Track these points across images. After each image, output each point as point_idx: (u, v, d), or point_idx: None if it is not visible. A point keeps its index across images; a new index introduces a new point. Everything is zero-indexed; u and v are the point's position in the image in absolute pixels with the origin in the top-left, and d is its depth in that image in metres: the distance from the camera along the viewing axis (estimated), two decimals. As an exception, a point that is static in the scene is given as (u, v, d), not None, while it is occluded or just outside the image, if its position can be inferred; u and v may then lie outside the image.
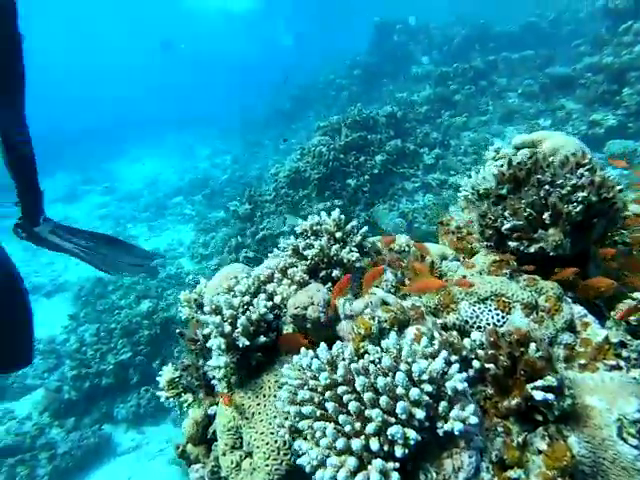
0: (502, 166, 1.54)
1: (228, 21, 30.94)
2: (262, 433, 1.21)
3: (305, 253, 1.51)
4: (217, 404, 1.46)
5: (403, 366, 0.97)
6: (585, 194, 1.30)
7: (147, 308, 8.07)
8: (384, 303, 1.36)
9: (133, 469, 6.38)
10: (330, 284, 1.51)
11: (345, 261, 1.50)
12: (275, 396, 1.25)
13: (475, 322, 1.15)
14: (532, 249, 1.34)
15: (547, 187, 1.31)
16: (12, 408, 7.28)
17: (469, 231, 1.97)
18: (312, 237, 1.59)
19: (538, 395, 0.90)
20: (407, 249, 1.80)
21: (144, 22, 32.45)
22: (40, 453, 6.29)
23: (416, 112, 10.26)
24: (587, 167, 1.32)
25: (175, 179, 15.45)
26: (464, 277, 1.41)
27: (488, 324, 1.13)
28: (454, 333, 1.11)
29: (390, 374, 0.98)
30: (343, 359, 1.05)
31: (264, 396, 1.27)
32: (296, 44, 26.71)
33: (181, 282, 9.24)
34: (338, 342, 1.13)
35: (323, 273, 1.52)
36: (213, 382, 1.51)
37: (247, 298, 1.36)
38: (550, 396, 0.91)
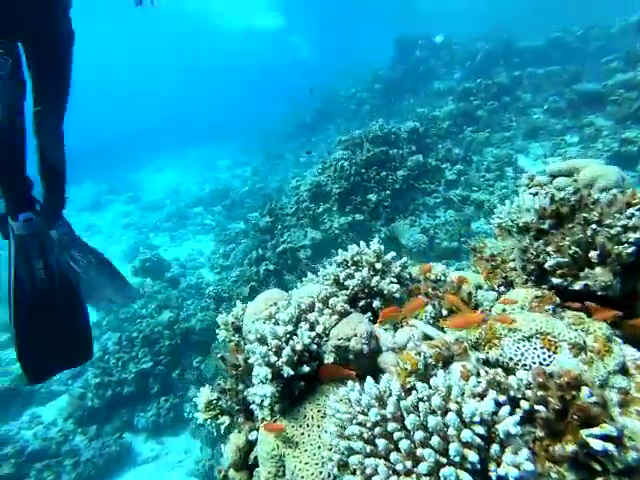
0: (543, 200, 1.55)
1: (251, 37, 31.63)
2: (307, 463, 1.23)
3: (346, 283, 1.54)
4: (257, 429, 1.49)
5: (453, 406, 0.99)
6: (638, 235, 1.29)
7: (168, 318, 8.19)
8: (426, 336, 1.38)
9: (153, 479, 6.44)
10: (370, 314, 1.53)
11: (385, 292, 1.52)
12: (319, 426, 1.28)
13: (520, 360, 1.16)
14: (577, 286, 1.35)
15: (594, 226, 1.32)
16: (39, 413, 7.48)
17: (504, 259, 1.97)
18: (352, 267, 1.62)
19: (597, 445, 0.90)
20: (443, 278, 1.82)
21: (172, 39, 33.38)
22: (65, 459, 6.41)
23: (438, 127, 10.26)
24: (638, 207, 1.31)
25: (196, 189, 15.74)
26: (504, 311, 1.42)
27: (534, 363, 1.13)
28: (499, 371, 1.12)
29: (440, 413, 0.99)
30: (391, 395, 1.07)
31: (307, 426, 1.30)
32: (315, 58, 27.13)
33: (201, 292, 9.37)
34: (384, 377, 1.15)
35: (363, 302, 1.55)
36: (252, 407, 1.54)
37: (290, 327, 1.40)
38: (610, 446, 0.90)
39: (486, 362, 1.21)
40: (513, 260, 1.88)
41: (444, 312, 1.57)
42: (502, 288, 1.84)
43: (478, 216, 8.02)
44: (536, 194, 2.25)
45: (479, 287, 1.77)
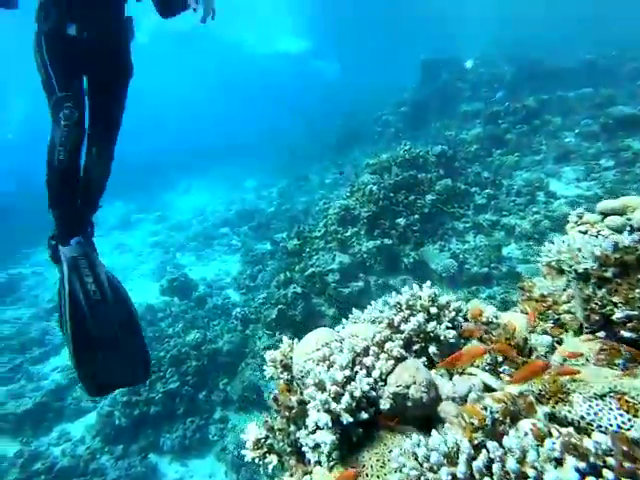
0: (604, 245, 1.52)
1: (279, 61, 32.49)
2: (368, 516, 1.21)
3: (401, 327, 1.54)
4: (310, 473, 1.47)
5: (531, 472, 0.96)
6: None
7: (195, 339, 8.25)
8: (486, 386, 1.35)
9: (177, 504, 6.41)
10: (425, 358, 1.52)
11: (442, 338, 1.51)
12: (378, 477, 1.26)
13: (594, 421, 1.12)
14: (650, 341, 1.30)
15: (666, 278, 1.28)
16: (68, 429, 7.60)
17: (555, 300, 1.93)
18: (407, 311, 1.62)
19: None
20: (494, 320, 1.78)
21: (201, 64, 34.54)
22: (92, 479, 6.45)
23: (466, 150, 10.23)
24: None
25: (222, 210, 16.02)
26: (565, 361, 1.38)
27: (610, 425, 1.09)
28: (572, 431, 1.08)
29: (515, 478, 0.97)
30: (462, 453, 1.05)
31: (367, 475, 1.28)
32: (341, 81, 27.62)
33: (227, 313, 9.43)
34: (451, 432, 1.13)
35: (417, 347, 1.54)
36: (304, 449, 1.53)
37: (347, 372, 1.40)
38: None
39: (552, 417, 1.17)
40: (566, 302, 1.84)
41: (500, 359, 1.54)
42: (555, 331, 1.80)
43: (509, 241, 7.90)
44: (586, 232, 2.21)
45: (531, 330, 1.73)
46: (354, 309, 2.18)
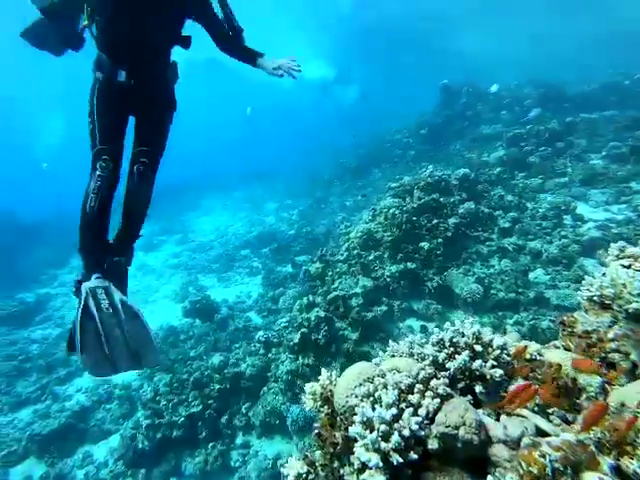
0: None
1: (301, 85, 33.26)
2: None
3: (446, 365, 1.53)
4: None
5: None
6: None
7: (218, 362, 8.27)
8: (539, 429, 1.33)
9: (199, 532, 6.32)
10: (470, 397, 1.50)
11: (488, 377, 1.49)
12: (430, 522, 1.24)
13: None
14: None
15: None
16: (91, 452, 7.65)
17: (600, 337, 1.89)
18: (450, 348, 1.61)
19: None
20: (538, 357, 1.75)
21: (222, 88, 35.65)
22: (115, 504, 6.44)
23: (488, 173, 10.18)
24: None
25: (243, 232, 16.21)
26: (622, 405, 1.34)
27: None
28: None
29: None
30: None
31: (418, 520, 1.26)
32: (361, 103, 28.07)
33: (250, 336, 9.43)
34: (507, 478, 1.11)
35: (462, 384, 1.52)
36: (349, 488, 1.51)
37: (395, 410, 1.39)
38: None
39: (617, 470, 1.14)
40: (613, 340, 1.80)
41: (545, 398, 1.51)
42: (603, 370, 1.75)
43: (535, 266, 7.74)
44: (629, 267, 2.17)
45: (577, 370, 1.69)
46: (391, 341, 2.17)
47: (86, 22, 2.60)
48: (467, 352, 1.55)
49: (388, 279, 7.18)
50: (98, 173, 2.58)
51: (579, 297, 2.18)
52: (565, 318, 2.12)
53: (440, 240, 7.61)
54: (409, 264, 7.26)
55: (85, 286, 2.60)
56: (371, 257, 7.51)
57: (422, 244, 7.49)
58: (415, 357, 1.75)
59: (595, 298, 2.07)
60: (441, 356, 1.59)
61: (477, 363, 1.51)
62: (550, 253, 7.63)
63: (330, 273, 7.78)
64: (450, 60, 29.22)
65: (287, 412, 6.87)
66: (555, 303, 6.69)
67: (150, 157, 2.81)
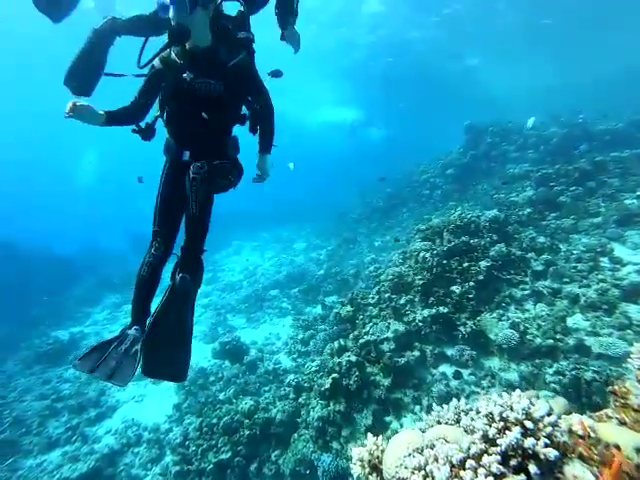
0: None
1: (329, 128, 34.33)
2: None
3: (498, 442, 1.53)
4: None
5: None
6: None
7: (249, 407, 8.19)
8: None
9: None
10: (524, 476, 1.48)
11: (541, 456, 1.48)
12: None
13: None
14: None
15: None
16: (121, 499, 7.59)
17: (656, 410, 1.84)
18: (500, 423, 1.61)
19: None
20: (592, 434, 1.72)
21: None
22: None
23: (518, 214, 10.09)
24: None
25: (273, 272, 16.38)
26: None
27: None
28: None
29: None
30: None
31: None
32: (387, 145, 28.64)
33: (280, 379, 9.37)
34: None
35: (515, 462, 1.51)
36: None
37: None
38: None
39: None
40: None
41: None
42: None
43: (573, 311, 7.48)
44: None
45: (638, 449, 1.64)
46: (434, 405, 2.17)
47: (157, 113, 3.07)
48: (518, 429, 1.55)
49: (420, 324, 7.09)
50: (152, 251, 3.09)
51: (630, 366, 2.14)
52: (617, 388, 2.08)
53: (472, 283, 7.51)
54: (441, 308, 7.18)
55: (125, 332, 3.04)
56: (402, 301, 7.47)
57: (454, 288, 7.41)
58: (463, 427, 1.75)
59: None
60: (491, 431, 1.59)
61: (529, 442, 1.50)
62: (588, 298, 7.38)
63: (361, 317, 7.75)
64: (473, 102, 29.76)
65: (318, 461, 6.71)
66: (597, 352, 6.40)
67: (198, 230, 3.13)
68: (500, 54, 26.25)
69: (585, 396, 5.64)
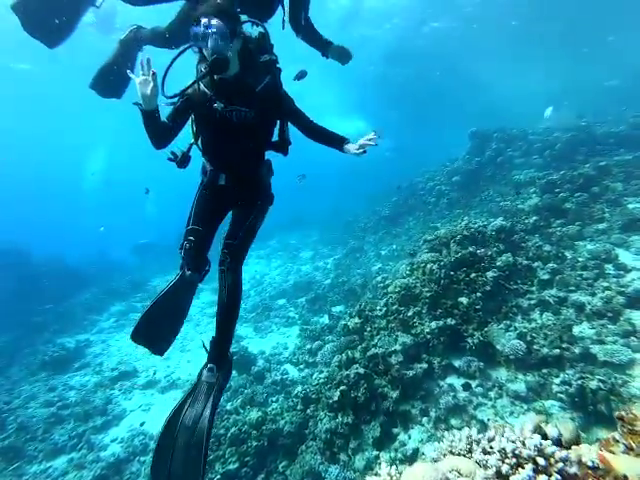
0: None
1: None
2: None
3: (510, 478, 1.57)
4: None
5: None
6: None
7: (257, 418, 8.23)
8: None
9: None
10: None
11: (553, 492, 1.52)
12: None
13: None
14: None
15: None
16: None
17: (665, 438, 1.87)
18: (512, 459, 1.66)
19: None
20: (597, 464, 1.76)
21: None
22: None
23: (524, 222, 10.11)
24: None
25: (279, 281, 16.43)
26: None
27: None
28: None
29: None
30: None
31: None
32: (394, 153, 28.66)
33: (287, 390, 9.41)
34: None
35: (527, 497, 1.56)
36: None
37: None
38: None
39: None
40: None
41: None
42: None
43: (580, 319, 7.49)
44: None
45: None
46: (446, 433, 2.22)
47: (192, 140, 3.15)
48: (530, 466, 1.60)
49: (428, 336, 7.12)
50: (181, 251, 3.19)
51: (633, 387, 2.17)
52: (624, 414, 2.11)
53: (479, 294, 7.53)
54: (449, 320, 7.20)
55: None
56: (410, 313, 7.49)
57: (461, 299, 7.44)
58: (476, 460, 1.80)
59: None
60: (504, 467, 1.63)
61: (541, 479, 1.55)
62: (594, 306, 7.40)
63: (369, 328, 7.79)
64: (477, 108, 29.80)
65: (325, 473, 6.74)
66: (603, 359, 6.42)
67: (233, 250, 3.13)
68: (504, 60, 26.34)
69: (591, 405, 5.67)
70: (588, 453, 1.84)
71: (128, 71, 2.86)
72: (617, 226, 9.64)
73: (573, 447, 1.86)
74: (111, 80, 4.38)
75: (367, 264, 14.67)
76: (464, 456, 1.94)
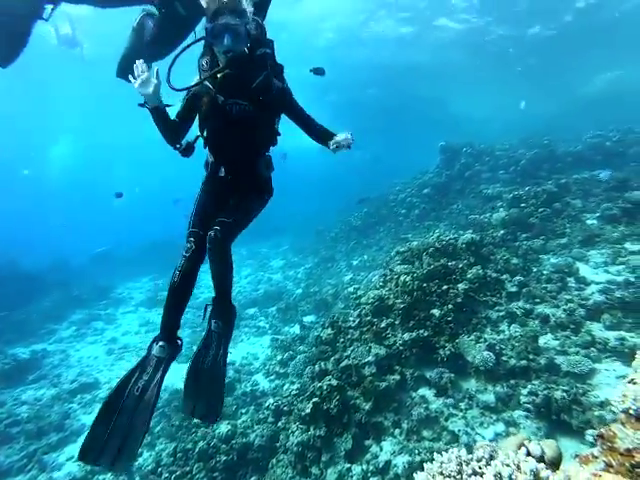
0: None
1: (310, 149, 34.66)
2: None
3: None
4: None
5: None
6: None
7: (226, 431, 8.01)
8: None
9: None
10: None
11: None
12: None
13: None
14: None
15: None
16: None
17: (643, 456, 1.93)
18: (507, 481, 1.67)
19: None
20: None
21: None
22: None
23: (493, 235, 10.42)
24: None
25: (249, 290, 16.20)
26: None
27: None
28: None
29: None
30: None
31: None
32: (365, 165, 28.98)
33: (257, 402, 9.22)
34: None
35: (520, 520, 1.56)
36: None
37: None
38: None
39: None
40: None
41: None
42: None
43: (545, 331, 7.76)
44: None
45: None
46: (435, 454, 2.20)
47: (198, 133, 3.20)
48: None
49: (401, 347, 7.17)
50: (183, 253, 3.09)
51: (614, 408, 2.24)
52: (604, 431, 2.17)
53: (450, 306, 7.67)
54: (421, 331, 7.29)
55: (151, 349, 3.02)
56: (383, 324, 7.54)
57: (433, 311, 7.56)
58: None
59: (631, 411, 2.13)
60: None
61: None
62: (558, 317, 7.68)
63: (342, 339, 7.78)
64: (446, 122, 30.68)
65: (297, 488, 6.65)
66: (566, 370, 6.67)
67: (226, 227, 3.07)
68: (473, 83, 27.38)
69: (555, 414, 5.86)
70: (576, 475, 1.88)
71: (130, 76, 2.85)
72: (577, 241, 10.11)
73: (562, 468, 1.89)
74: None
75: (338, 274, 14.72)
76: (454, 478, 1.94)
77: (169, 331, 3.10)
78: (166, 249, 22.74)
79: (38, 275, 19.46)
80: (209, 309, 3.28)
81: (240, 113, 3.05)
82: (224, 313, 3.27)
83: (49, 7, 4.06)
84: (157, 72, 2.84)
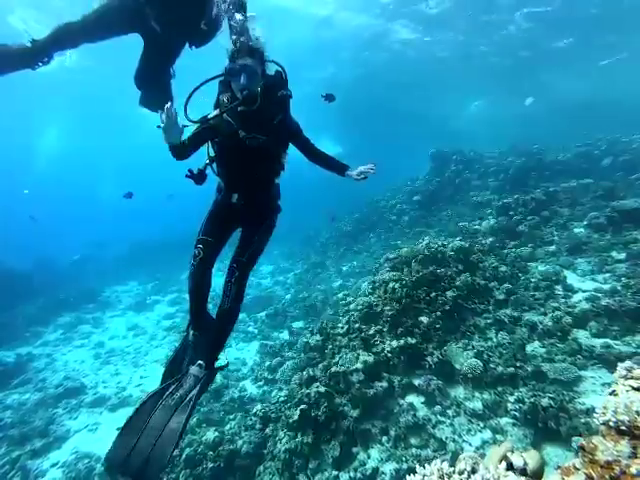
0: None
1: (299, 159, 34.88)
2: None
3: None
4: None
5: None
6: None
7: (214, 438, 7.92)
8: None
9: None
10: None
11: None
12: None
13: None
14: None
15: None
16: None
17: (622, 469, 1.95)
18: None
19: None
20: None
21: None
22: None
23: (481, 243, 10.49)
24: None
25: (239, 295, 16.05)
26: None
27: None
28: None
29: None
30: None
31: None
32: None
33: (245, 408, 9.14)
34: None
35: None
36: None
37: None
38: None
39: None
40: (637, 477, 1.86)
41: None
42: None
43: (532, 338, 7.81)
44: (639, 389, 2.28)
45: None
46: (418, 466, 2.20)
47: (207, 161, 3.43)
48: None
49: (389, 354, 7.17)
50: (192, 262, 3.34)
51: (596, 420, 2.26)
52: (585, 443, 2.18)
53: (439, 313, 7.70)
54: (409, 339, 7.29)
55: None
56: (371, 331, 7.54)
57: (421, 318, 7.57)
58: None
59: (611, 424, 2.15)
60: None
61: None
62: (545, 325, 7.74)
63: (330, 346, 7.75)
64: (436, 130, 30.97)
65: (284, 495, 6.59)
66: (552, 377, 6.71)
67: (241, 266, 3.44)
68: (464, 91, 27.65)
69: (541, 421, 5.89)
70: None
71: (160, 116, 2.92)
72: (564, 249, 10.23)
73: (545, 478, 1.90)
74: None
75: (328, 280, 14.70)
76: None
77: (200, 326, 3.48)
78: (157, 251, 22.61)
79: (23, 276, 19.15)
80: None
81: (257, 146, 3.30)
82: (211, 361, 3.34)
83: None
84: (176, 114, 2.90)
